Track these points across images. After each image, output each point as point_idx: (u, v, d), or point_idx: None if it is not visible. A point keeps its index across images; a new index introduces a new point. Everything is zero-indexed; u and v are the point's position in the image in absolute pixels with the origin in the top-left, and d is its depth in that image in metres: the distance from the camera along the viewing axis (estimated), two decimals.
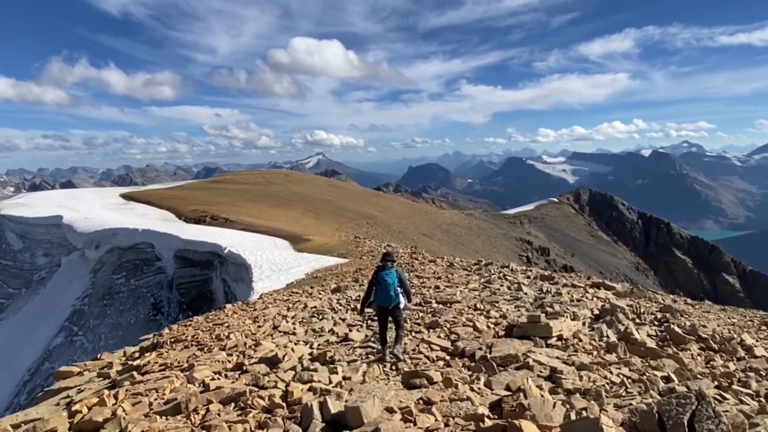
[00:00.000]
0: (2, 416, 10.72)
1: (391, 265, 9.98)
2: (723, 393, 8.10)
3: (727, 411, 6.22)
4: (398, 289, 9.83)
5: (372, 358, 9.94)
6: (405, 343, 10.60)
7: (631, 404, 7.00)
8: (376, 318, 10.52)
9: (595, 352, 10.22)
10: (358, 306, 11.48)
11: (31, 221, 76.74)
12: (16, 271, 76.02)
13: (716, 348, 12.00)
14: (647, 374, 9.00)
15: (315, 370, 8.91)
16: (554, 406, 6.42)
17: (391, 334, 10.25)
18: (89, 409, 8.12)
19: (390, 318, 10.01)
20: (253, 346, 11.59)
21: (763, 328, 17.94)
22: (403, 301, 9.96)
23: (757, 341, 13.56)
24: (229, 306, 22.01)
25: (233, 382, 8.79)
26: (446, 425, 6.41)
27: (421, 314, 14.04)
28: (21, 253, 77.99)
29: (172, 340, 14.90)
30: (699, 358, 11.11)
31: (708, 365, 10.61)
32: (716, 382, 8.97)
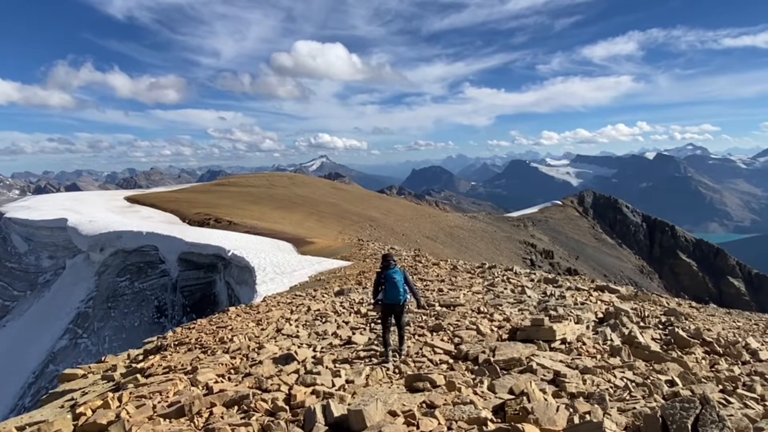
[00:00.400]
0: (7, 418, 10.74)
1: (394, 264, 10.35)
2: (727, 397, 8.07)
3: (731, 415, 6.21)
4: (405, 286, 10.20)
5: (375, 361, 9.96)
6: (408, 346, 10.65)
7: (634, 408, 6.98)
8: (379, 320, 10.73)
9: (598, 356, 10.20)
10: (370, 304, 11.74)
11: (37, 224, 76.98)
12: (21, 273, 76.23)
13: (721, 352, 11.96)
14: (651, 378, 8.98)
15: (318, 373, 8.92)
16: (557, 410, 6.41)
17: (394, 337, 10.46)
18: (93, 411, 8.14)
19: (394, 317, 10.28)
20: (256, 349, 11.60)
21: None
22: (409, 297, 10.37)
23: (762, 345, 13.52)
24: (232, 309, 22.02)
25: (237, 385, 8.80)
26: (449, 429, 6.41)
27: (424, 317, 14.02)
28: (26, 256, 78.21)
29: (176, 342, 14.91)
30: (703, 361, 11.07)
31: (712, 369, 10.57)
32: (721, 386, 8.94)
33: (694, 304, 27.39)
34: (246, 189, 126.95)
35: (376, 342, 11.36)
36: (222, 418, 7.34)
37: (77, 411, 8.23)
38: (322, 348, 11.43)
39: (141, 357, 14.46)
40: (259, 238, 58.88)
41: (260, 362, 10.26)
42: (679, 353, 11.17)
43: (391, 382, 8.67)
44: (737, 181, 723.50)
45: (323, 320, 15.20)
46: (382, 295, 10.21)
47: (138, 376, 10.57)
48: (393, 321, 10.35)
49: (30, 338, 60.27)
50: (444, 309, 15.12)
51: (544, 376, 8.71)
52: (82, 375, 13.29)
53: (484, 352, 9.94)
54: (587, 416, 6.41)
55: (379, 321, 10.80)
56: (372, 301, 11.33)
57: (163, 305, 56.42)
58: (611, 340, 11.41)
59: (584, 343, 10.86)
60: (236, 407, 7.66)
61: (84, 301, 61.27)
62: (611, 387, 8.33)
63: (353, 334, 12.53)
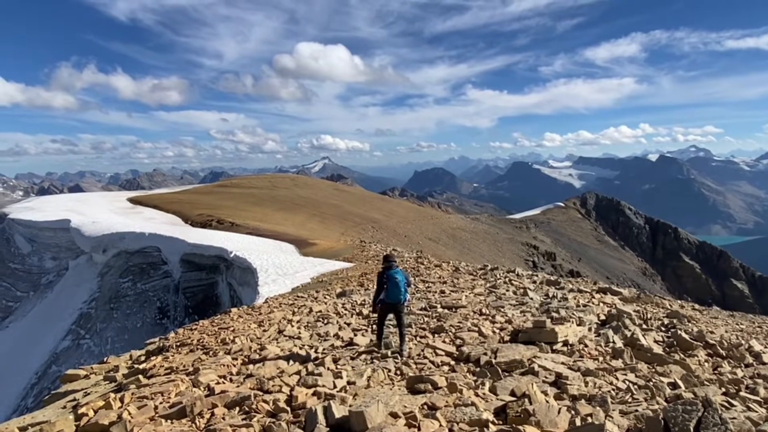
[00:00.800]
0: (9, 419, 10.75)
1: (396, 265, 10.60)
2: (730, 400, 8.04)
3: (734, 418, 6.19)
4: (406, 286, 10.48)
5: (377, 362, 9.95)
6: (410, 348, 10.66)
7: (636, 410, 6.97)
8: (376, 316, 11.16)
9: (600, 358, 10.18)
10: (371, 306, 12.03)
11: (40, 225, 77.14)
12: (24, 274, 76.37)
13: (724, 354, 11.93)
14: (653, 380, 8.96)
15: (319, 374, 8.91)
16: (559, 412, 6.40)
17: (395, 339, 10.84)
18: (95, 412, 8.14)
19: (395, 316, 10.57)
20: (258, 351, 11.60)
21: None
22: (409, 297, 10.70)
23: (766, 348, 13.47)
24: (234, 310, 22.01)
25: (238, 386, 8.80)
26: (450, 430, 6.40)
27: (426, 319, 14.00)
28: (29, 257, 78.35)
29: (178, 343, 14.92)
30: (706, 364, 11.04)
31: (715, 372, 10.55)
32: (723, 389, 8.92)
33: (697, 306, 27.36)
34: (248, 190, 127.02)
35: (379, 345, 11.36)
36: (223, 419, 7.34)
37: (79, 411, 8.23)
38: (324, 349, 11.42)
39: (143, 358, 14.46)
40: (261, 239, 58.94)
41: (262, 363, 10.27)
42: (682, 356, 11.16)
43: (393, 383, 8.66)
44: (740, 183, 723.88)
45: (325, 322, 15.20)
46: (384, 294, 10.41)
47: (140, 376, 10.57)
48: (393, 321, 10.75)
49: (33, 339, 60.40)
50: (446, 311, 15.11)
51: (546, 378, 8.70)
52: (84, 376, 13.29)
53: (485, 353, 9.93)
54: (589, 418, 6.39)
55: (377, 320, 11.05)
56: (372, 302, 11.48)
57: (165, 306, 56.50)
58: (613, 342, 11.39)
59: (586, 345, 10.84)
60: (238, 408, 7.65)
61: (86, 302, 61.40)
62: (613, 389, 8.32)
63: (355, 335, 12.51)
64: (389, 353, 10.29)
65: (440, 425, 6.48)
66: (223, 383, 9.10)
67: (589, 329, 12.34)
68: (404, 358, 10.07)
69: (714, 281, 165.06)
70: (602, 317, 14.17)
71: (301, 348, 11.52)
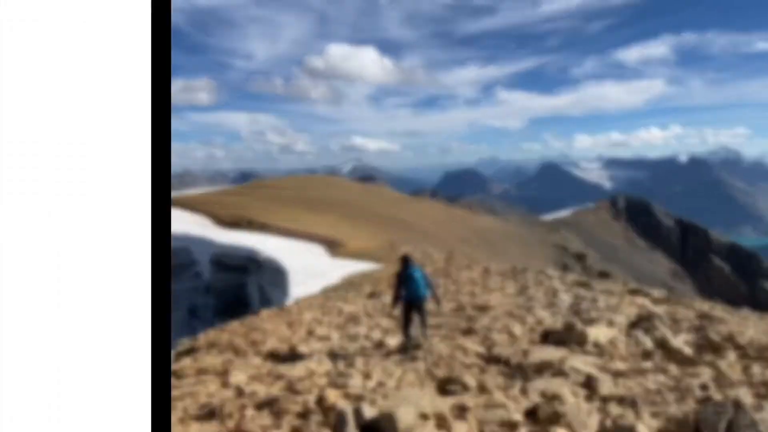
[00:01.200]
0: None
1: (413, 264, 11.13)
2: (761, 401, 7.97)
3: (764, 419, 6.15)
4: (425, 281, 10.93)
5: (407, 363, 9.98)
6: (440, 349, 10.72)
7: (667, 412, 6.94)
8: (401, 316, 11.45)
9: (631, 359, 10.11)
10: (390, 306, 12.26)
11: None
12: None
13: (754, 356, 11.80)
14: (684, 382, 8.89)
15: (349, 375, 8.96)
16: (589, 414, 6.40)
17: (418, 335, 11.13)
18: None
19: (417, 311, 11.00)
20: (288, 352, 11.69)
21: None
22: (437, 294, 11.33)
23: None
24: (264, 311, 22.18)
25: (268, 387, 8.88)
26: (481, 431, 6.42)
27: (456, 320, 14.03)
28: None
29: (208, 344, 15.07)
30: (736, 365, 10.92)
31: (746, 373, 10.44)
32: (754, 391, 8.83)
33: (727, 308, 26.99)
34: (279, 191, 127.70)
35: (408, 345, 11.41)
36: (253, 420, 7.42)
37: None
38: (354, 350, 11.49)
39: (172, 359, 14.64)
40: (291, 240, 59.28)
41: (292, 364, 10.35)
42: (712, 357, 11.05)
43: (423, 384, 8.69)
44: None
45: (355, 323, 15.28)
46: (406, 293, 10.83)
47: None
48: (416, 316, 11.03)
49: None
50: (476, 312, 15.12)
51: (576, 379, 8.67)
52: None
53: (516, 355, 9.93)
54: (619, 420, 6.38)
55: (402, 320, 11.27)
56: (391, 303, 11.84)
57: (194, 307, 56.97)
58: (644, 343, 11.31)
59: (616, 347, 10.78)
60: (267, 409, 7.73)
61: None
62: (643, 391, 8.27)
63: (385, 336, 12.57)
64: (419, 354, 10.35)
65: (470, 426, 6.50)
66: (253, 384, 9.20)
67: (620, 330, 12.26)
68: (427, 343, 10.74)
69: (744, 283, 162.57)
70: (632, 318, 14.06)
71: (330, 349, 11.60)
